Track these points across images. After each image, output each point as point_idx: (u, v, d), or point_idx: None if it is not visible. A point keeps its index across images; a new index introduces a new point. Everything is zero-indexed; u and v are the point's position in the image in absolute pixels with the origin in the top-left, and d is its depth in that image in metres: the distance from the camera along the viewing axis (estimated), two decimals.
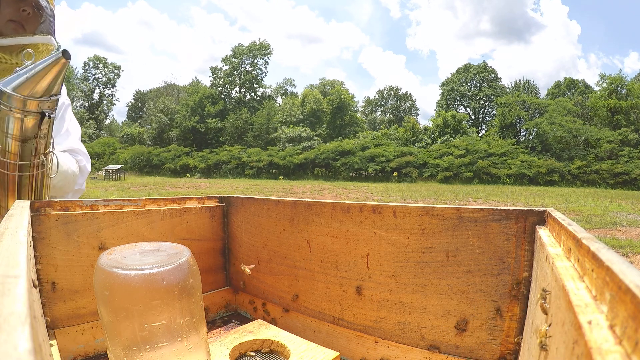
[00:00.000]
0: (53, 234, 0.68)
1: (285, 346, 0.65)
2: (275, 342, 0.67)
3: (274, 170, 30.41)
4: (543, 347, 0.32)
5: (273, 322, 0.84)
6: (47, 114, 0.79)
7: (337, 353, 0.64)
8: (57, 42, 1.15)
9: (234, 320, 0.92)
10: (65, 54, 0.75)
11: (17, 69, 0.78)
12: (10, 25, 1.05)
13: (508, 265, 0.55)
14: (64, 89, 1.24)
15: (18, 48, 1.07)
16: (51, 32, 1.13)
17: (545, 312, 0.35)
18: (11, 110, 0.77)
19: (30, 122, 0.80)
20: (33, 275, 0.40)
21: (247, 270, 0.83)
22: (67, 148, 1.23)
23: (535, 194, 14.48)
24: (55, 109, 0.82)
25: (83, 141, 1.34)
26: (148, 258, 0.52)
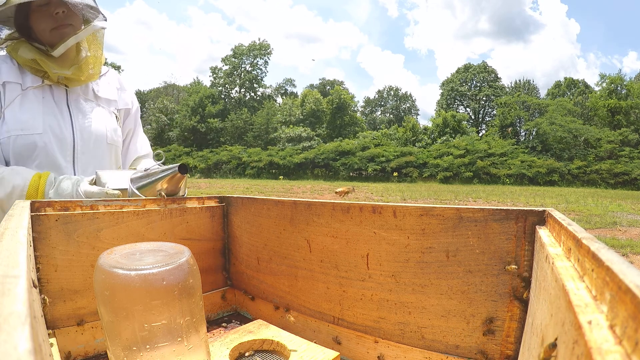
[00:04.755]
0: (53, 234, 0.68)
1: (285, 346, 0.65)
2: (275, 342, 0.67)
3: (274, 170, 30.38)
4: None
5: (273, 322, 0.84)
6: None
7: (337, 353, 0.64)
8: (103, 16, 1.10)
9: (234, 320, 0.92)
10: (182, 170, 0.85)
11: (150, 168, 0.92)
12: (55, 34, 1.03)
13: (508, 265, 0.55)
14: (132, 94, 1.34)
15: (72, 51, 1.08)
16: (93, 9, 1.08)
17: None
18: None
19: None
20: (33, 275, 0.40)
21: (292, 318, 0.80)
22: (147, 152, 1.38)
23: (535, 194, 14.47)
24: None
25: None
26: (148, 258, 0.52)
